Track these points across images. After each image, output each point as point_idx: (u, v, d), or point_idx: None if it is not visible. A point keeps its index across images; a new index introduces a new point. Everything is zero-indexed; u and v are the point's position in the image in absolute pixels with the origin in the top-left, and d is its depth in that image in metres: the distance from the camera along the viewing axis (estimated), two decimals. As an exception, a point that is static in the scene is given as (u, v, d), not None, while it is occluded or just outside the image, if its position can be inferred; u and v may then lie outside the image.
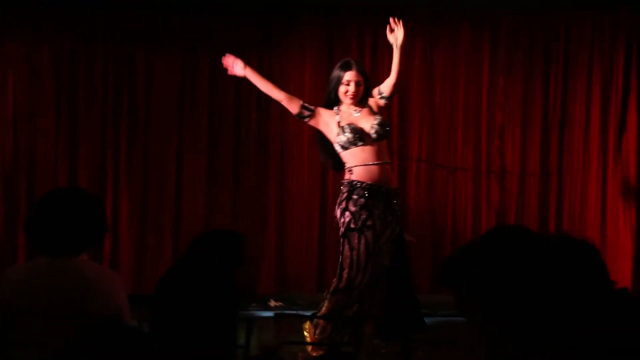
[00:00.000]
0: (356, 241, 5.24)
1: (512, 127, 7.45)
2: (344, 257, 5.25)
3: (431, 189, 7.49)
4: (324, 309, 5.20)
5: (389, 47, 7.40)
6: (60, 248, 3.08)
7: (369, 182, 5.28)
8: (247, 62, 7.42)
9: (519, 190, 7.42)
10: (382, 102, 5.42)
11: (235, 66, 5.59)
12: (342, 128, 5.33)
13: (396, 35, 5.27)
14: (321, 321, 5.14)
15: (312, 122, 5.49)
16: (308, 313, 6.77)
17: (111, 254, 7.34)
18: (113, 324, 2.01)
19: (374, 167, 5.29)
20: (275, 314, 3.67)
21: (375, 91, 5.44)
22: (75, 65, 7.39)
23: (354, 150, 5.32)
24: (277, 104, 7.40)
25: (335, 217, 5.34)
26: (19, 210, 7.21)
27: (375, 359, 4.58)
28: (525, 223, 7.25)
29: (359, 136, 5.30)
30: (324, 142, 5.48)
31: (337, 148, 5.38)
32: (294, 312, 6.87)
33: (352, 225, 5.26)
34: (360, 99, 5.43)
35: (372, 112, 5.40)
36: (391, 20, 5.29)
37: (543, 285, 2.17)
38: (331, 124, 5.41)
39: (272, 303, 7.22)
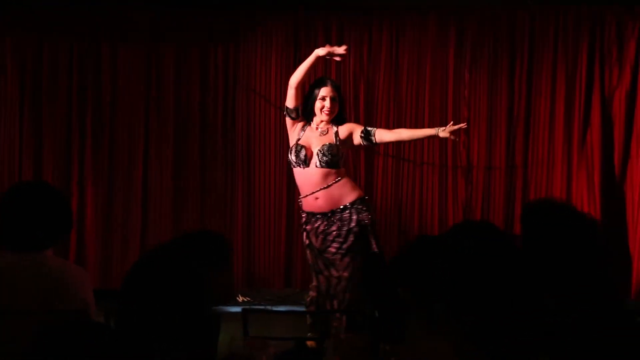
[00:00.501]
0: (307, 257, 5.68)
1: (477, 122, 7.48)
2: None
3: (398, 184, 7.51)
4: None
5: (355, 40, 7.46)
6: (25, 243, 3.04)
7: (308, 211, 5.55)
8: (214, 55, 7.46)
9: (485, 184, 7.46)
10: (360, 140, 5.54)
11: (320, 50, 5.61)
12: (294, 146, 5.55)
13: (447, 135, 5.53)
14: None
15: (287, 122, 5.64)
16: (276, 308, 6.77)
17: (77, 249, 7.28)
18: (80, 321, 1.98)
19: (309, 198, 5.52)
20: (243, 309, 3.65)
21: (360, 129, 5.57)
22: (39, 60, 7.30)
23: (297, 170, 5.57)
24: (242, 100, 7.44)
25: None
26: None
27: (343, 352, 4.58)
28: (491, 217, 7.30)
29: (301, 160, 5.51)
30: None
31: None
32: (262, 307, 6.85)
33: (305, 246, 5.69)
34: (335, 118, 5.57)
35: (334, 138, 5.52)
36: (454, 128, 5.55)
37: (506, 282, 2.17)
38: (295, 136, 5.60)
39: (240, 298, 7.20)
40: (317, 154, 5.47)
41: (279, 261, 7.47)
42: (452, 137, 5.57)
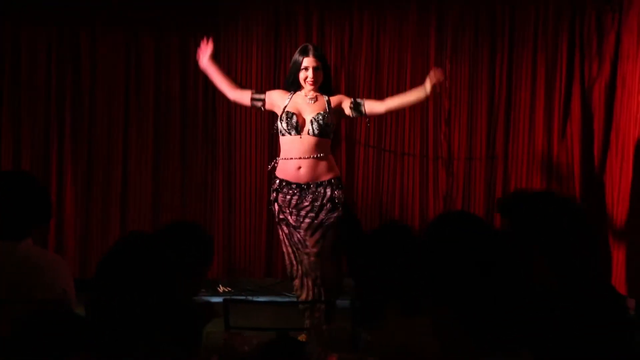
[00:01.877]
0: (280, 233, 5.54)
1: (458, 113, 7.48)
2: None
3: (378, 175, 7.51)
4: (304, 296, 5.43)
5: (336, 27, 7.45)
6: (2, 232, 3.02)
7: (282, 178, 5.44)
8: (194, 44, 7.41)
9: (466, 175, 7.47)
10: (350, 111, 5.53)
11: (203, 56, 5.61)
12: (283, 114, 5.44)
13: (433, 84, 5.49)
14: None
15: (267, 107, 5.59)
16: (257, 299, 6.76)
17: (56, 238, 7.24)
18: (57, 311, 1.97)
19: (291, 164, 5.41)
20: (224, 300, 3.64)
21: (350, 100, 5.56)
22: (16, 47, 7.24)
23: (287, 138, 5.44)
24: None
25: None
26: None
27: (325, 343, 4.58)
28: (471, 208, 7.32)
29: (292, 127, 5.40)
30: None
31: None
32: (243, 297, 6.85)
33: (275, 219, 5.56)
34: (323, 87, 5.48)
35: (327, 107, 5.45)
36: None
37: (489, 272, 2.16)
38: (280, 105, 5.46)
39: (221, 288, 7.18)
40: (311, 122, 5.40)
41: (260, 251, 7.45)
42: (437, 87, 5.51)
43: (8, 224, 3.02)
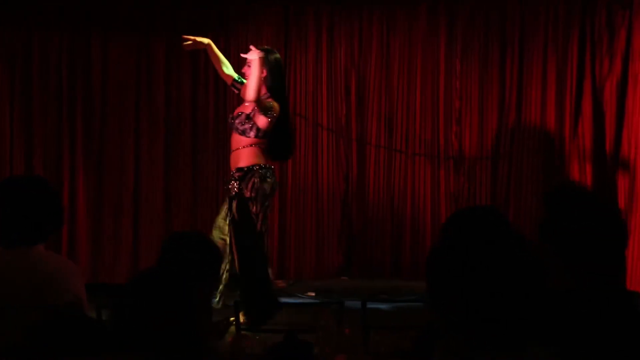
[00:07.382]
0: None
1: (469, 113, 7.47)
2: None
3: (390, 175, 7.51)
4: None
5: (346, 32, 7.46)
6: (15, 238, 3.04)
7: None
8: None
9: (477, 175, 7.44)
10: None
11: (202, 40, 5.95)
12: None
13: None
14: None
15: None
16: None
17: (68, 242, 7.26)
18: (73, 315, 1.98)
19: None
20: (235, 302, 3.66)
21: None
22: (29, 51, 7.27)
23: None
24: (233, 93, 7.39)
25: None
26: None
27: (333, 344, 4.58)
28: (482, 208, 7.29)
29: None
30: None
31: None
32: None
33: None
34: None
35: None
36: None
37: (509, 267, 2.16)
38: None
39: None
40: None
41: (271, 253, 7.45)
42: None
43: (20, 230, 3.04)
